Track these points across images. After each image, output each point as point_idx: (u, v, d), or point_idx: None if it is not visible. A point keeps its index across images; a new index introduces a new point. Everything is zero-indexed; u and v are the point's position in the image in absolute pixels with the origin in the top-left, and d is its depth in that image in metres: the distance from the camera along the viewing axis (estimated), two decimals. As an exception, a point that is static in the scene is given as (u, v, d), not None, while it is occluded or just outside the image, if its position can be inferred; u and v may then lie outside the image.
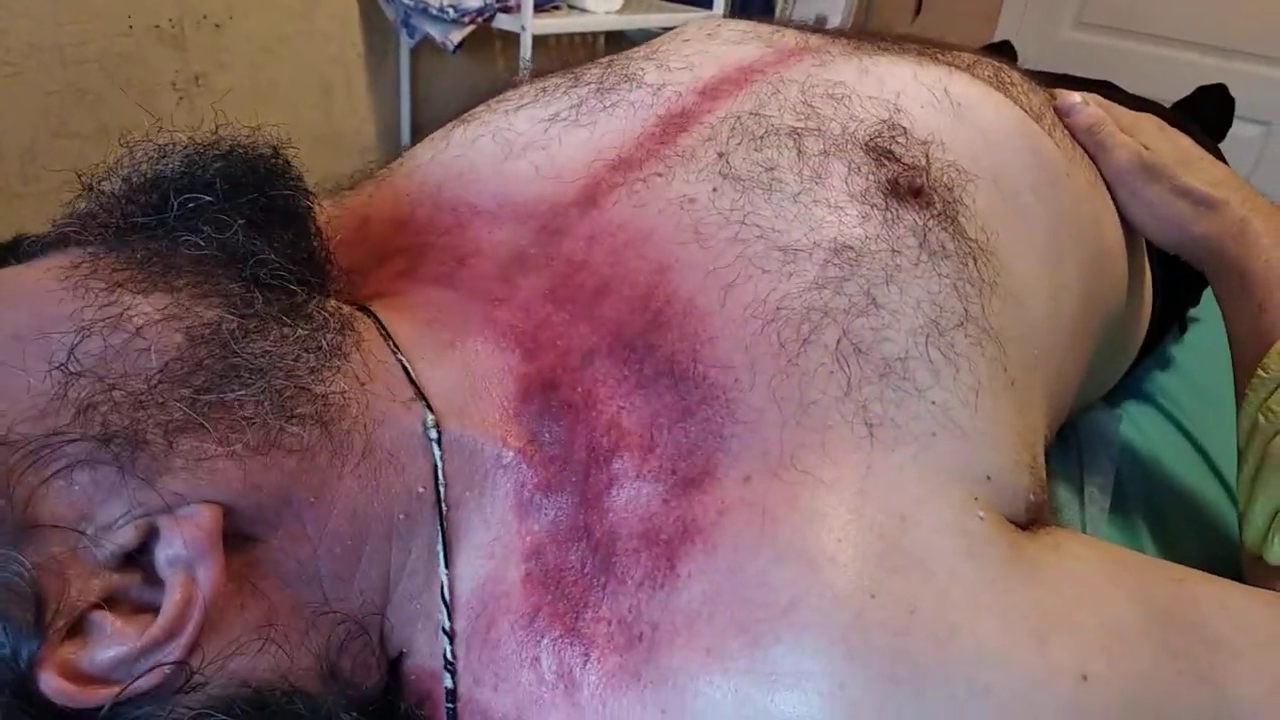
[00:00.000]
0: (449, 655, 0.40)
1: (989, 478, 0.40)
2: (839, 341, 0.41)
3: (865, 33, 0.64)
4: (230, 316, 0.38)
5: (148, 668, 0.33)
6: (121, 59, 1.58)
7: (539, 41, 1.75)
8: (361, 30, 1.89)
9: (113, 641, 0.33)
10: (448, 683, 0.40)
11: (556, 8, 1.84)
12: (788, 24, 0.64)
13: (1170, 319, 0.81)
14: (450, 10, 1.72)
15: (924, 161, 0.48)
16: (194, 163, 0.42)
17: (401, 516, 0.40)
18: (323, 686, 0.38)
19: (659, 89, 0.53)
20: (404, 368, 0.42)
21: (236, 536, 0.36)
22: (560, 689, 0.37)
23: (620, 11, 1.90)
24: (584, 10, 1.85)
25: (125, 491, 0.34)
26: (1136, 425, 0.76)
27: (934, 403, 0.40)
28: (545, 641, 0.38)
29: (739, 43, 0.58)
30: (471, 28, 1.76)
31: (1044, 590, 0.37)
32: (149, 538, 0.34)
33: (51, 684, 0.32)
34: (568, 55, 2.27)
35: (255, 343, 0.38)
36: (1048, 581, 0.38)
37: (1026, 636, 0.36)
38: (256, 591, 0.37)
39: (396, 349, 0.42)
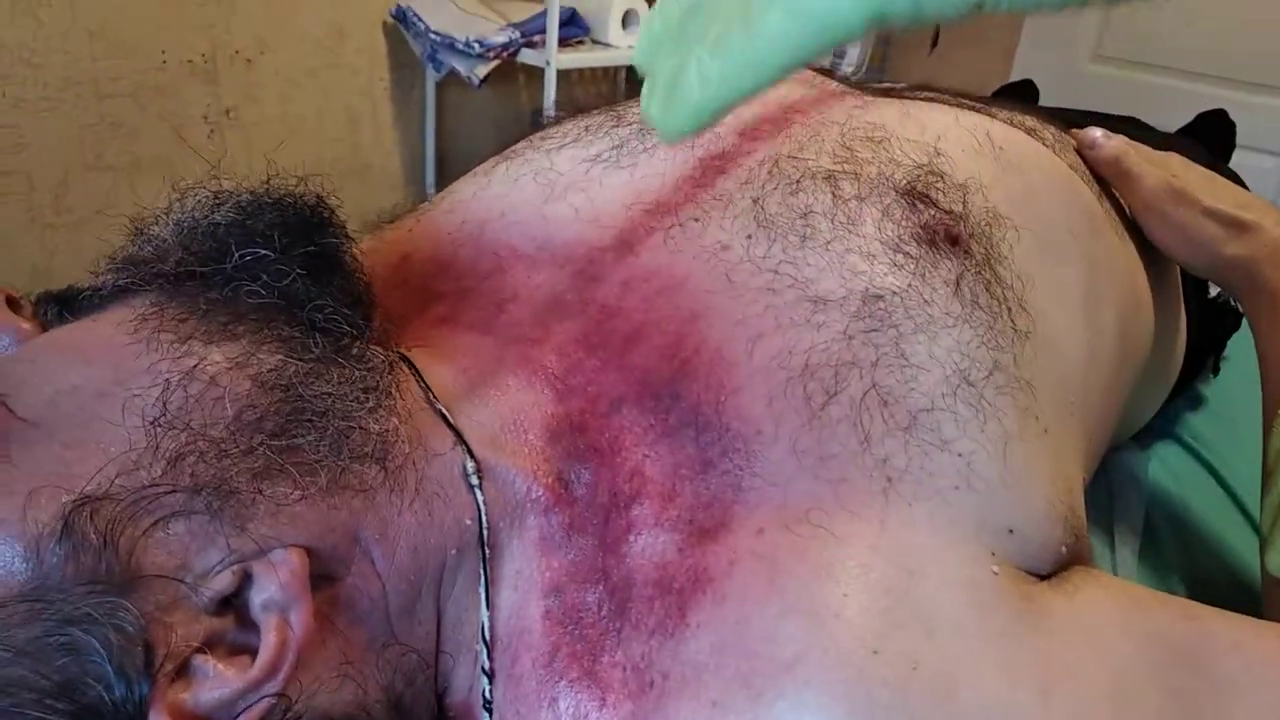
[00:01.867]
0: (487, 694, 0.41)
1: (1011, 531, 0.40)
2: (865, 395, 0.41)
3: (907, 86, 0.65)
4: (292, 361, 0.39)
5: (246, 706, 0.35)
6: (155, 93, 1.61)
7: (562, 76, 1.77)
8: (388, 65, 1.93)
9: (216, 684, 0.35)
10: None
11: (580, 42, 1.86)
12: (829, 74, 0.65)
13: (1202, 359, 0.80)
14: (476, 45, 1.75)
15: (961, 208, 0.48)
16: (248, 211, 0.43)
17: (453, 551, 0.41)
18: (393, 717, 0.39)
19: None
20: (442, 414, 0.43)
21: (316, 577, 0.37)
22: None
23: (643, 46, 1.92)
24: (607, 45, 1.88)
25: (219, 539, 0.36)
26: (1166, 466, 0.75)
27: (959, 455, 0.40)
28: (563, 684, 0.39)
29: (779, 85, 0.59)
30: (496, 62, 1.78)
31: (1050, 640, 0.37)
32: (243, 583, 0.36)
33: None
34: (590, 89, 2.30)
35: (317, 385, 0.39)
36: (1056, 630, 0.38)
37: (1030, 689, 0.36)
38: (334, 629, 0.38)
39: (433, 396, 0.43)
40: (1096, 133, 0.62)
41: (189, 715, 0.34)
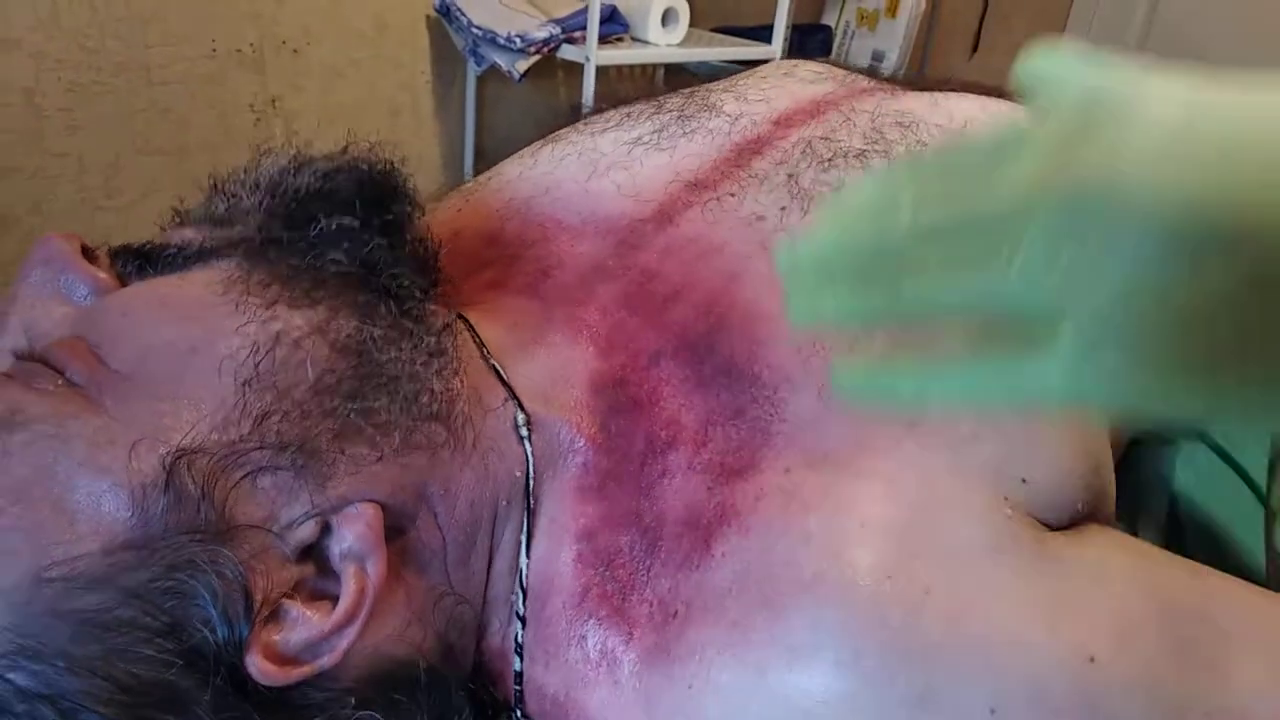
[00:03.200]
0: (519, 638, 0.43)
1: (1025, 480, 0.41)
2: (887, 344, 0.43)
3: (937, 81, 0.66)
4: (366, 326, 0.41)
5: (330, 648, 0.37)
6: (204, 81, 1.65)
7: (601, 72, 1.79)
8: (430, 58, 1.95)
9: (303, 627, 0.37)
10: (516, 665, 0.43)
11: (620, 39, 1.88)
12: (862, 71, 0.66)
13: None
14: (517, 40, 1.77)
15: None
16: (330, 178, 0.44)
17: (504, 503, 0.43)
18: (443, 663, 0.42)
19: (736, 118, 0.56)
20: (495, 369, 0.45)
21: (387, 529, 0.39)
22: (603, 667, 0.40)
23: (681, 44, 1.94)
24: (646, 43, 1.89)
25: (302, 494, 0.38)
26: (1193, 465, 0.75)
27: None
28: (592, 621, 0.41)
29: (813, 82, 0.61)
30: (537, 57, 1.80)
31: (1058, 578, 0.39)
32: (323, 534, 0.38)
33: (259, 666, 0.36)
34: (628, 86, 2.31)
35: (389, 350, 0.41)
36: (1064, 572, 0.39)
37: (1037, 619, 0.37)
38: (400, 579, 0.40)
39: (487, 352, 0.46)
40: None
41: (279, 656, 0.37)
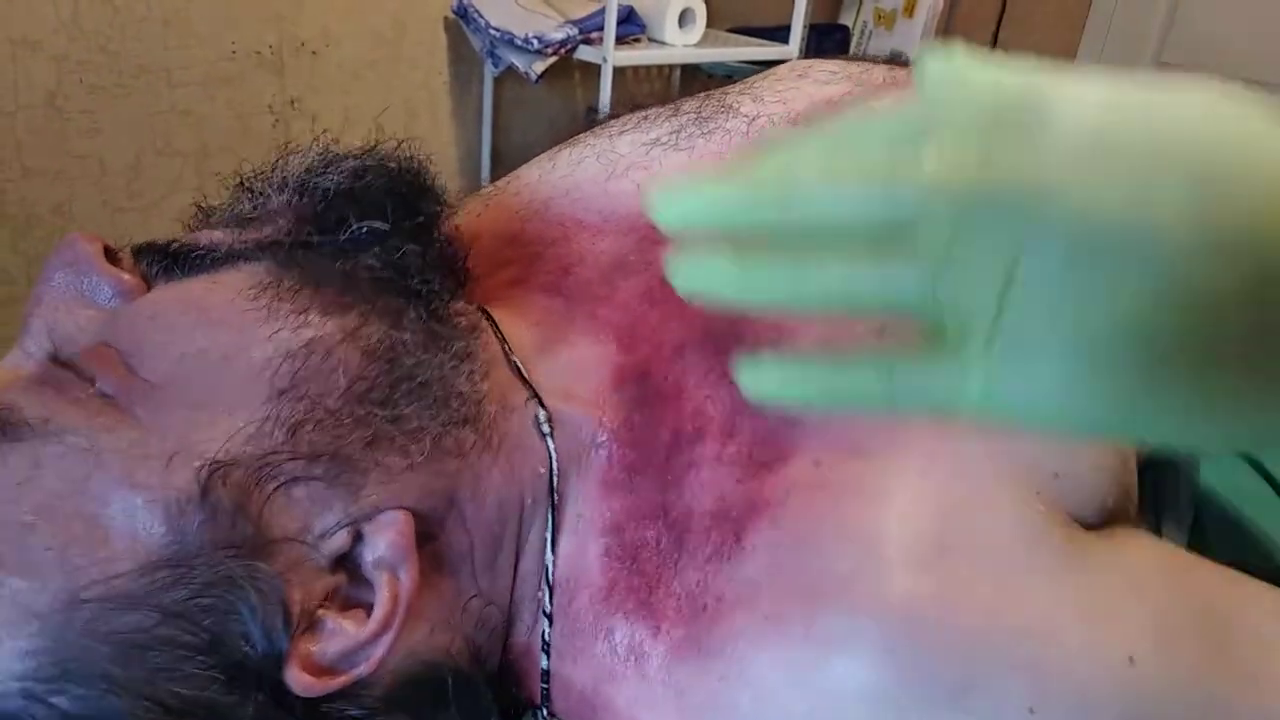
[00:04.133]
0: (546, 636, 0.42)
1: (1057, 475, 0.41)
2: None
3: None
4: (395, 333, 0.40)
5: (366, 657, 0.37)
6: (223, 82, 1.66)
7: (617, 73, 1.79)
8: (447, 59, 1.96)
9: (339, 637, 0.37)
10: (544, 663, 0.43)
11: (637, 40, 1.88)
12: (874, 60, 0.66)
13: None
14: (535, 41, 1.77)
15: None
16: (359, 176, 0.44)
17: (529, 501, 0.43)
18: (471, 665, 0.42)
19: (754, 119, 0.56)
20: (518, 367, 0.45)
21: (418, 534, 0.39)
22: (631, 661, 0.39)
23: (698, 45, 1.94)
24: (663, 43, 1.89)
25: (335, 504, 0.38)
26: (1218, 466, 0.75)
27: None
28: (619, 615, 0.40)
29: (828, 82, 0.60)
30: (554, 58, 1.81)
31: (1094, 577, 0.38)
32: (355, 542, 0.38)
33: (298, 678, 0.36)
34: (644, 87, 2.32)
35: (418, 355, 0.41)
36: (1099, 571, 0.39)
37: (1075, 616, 0.37)
38: (430, 583, 0.40)
39: (509, 350, 0.45)
40: None
41: (316, 667, 0.37)
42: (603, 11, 1.75)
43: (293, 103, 1.76)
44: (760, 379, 0.29)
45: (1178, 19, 2.30)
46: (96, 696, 0.34)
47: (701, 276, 0.27)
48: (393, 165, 0.45)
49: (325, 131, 0.46)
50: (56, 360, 0.39)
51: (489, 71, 1.98)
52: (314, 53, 1.75)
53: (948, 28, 2.58)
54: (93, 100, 1.52)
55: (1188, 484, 0.72)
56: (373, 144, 0.45)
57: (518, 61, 1.82)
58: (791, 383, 0.28)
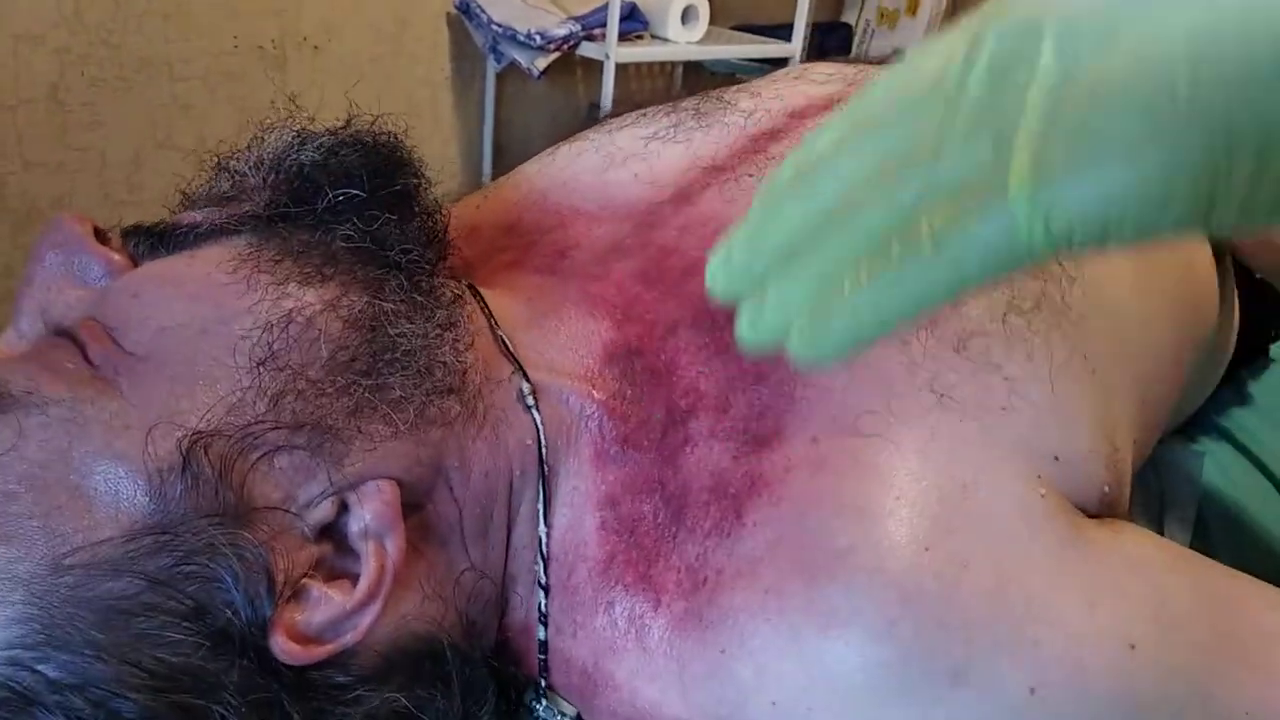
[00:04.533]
0: (543, 608, 0.42)
1: (1056, 458, 0.41)
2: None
3: None
4: (378, 301, 0.41)
5: (352, 626, 0.37)
6: (225, 76, 1.66)
7: (620, 70, 1.79)
8: (450, 55, 1.96)
9: (325, 606, 0.37)
10: (540, 635, 0.43)
11: (639, 37, 1.88)
12: (871, 62, 0.66)
13: (1251, 348, 0.79)
14: (537, 37, 1.77)
15: None
16: (335, 151, 0.44)
17: (518, 473, 0.43)
18: (465, 640, 0.42)
19: (751, 112, 0.56)
20: (501, 340, 0.45)
21: (404, 505, 0.39)
22: (631, 634, 0.40)
23: (701, 42, 1.94)
24: (666, 40, 1.89)
25: (319, 473, 0.38)
26: (1221, 467, 0.75)
27: (1007, 378, 0.41)
28: (618, 588, 0.40)
29: (824, 83, 0.60)
30: (556, 55, 1.81)
31: (1097, 562, 0.38)
32: (340, 512, 0.38)
33: (282, 646, 0.36)
34: (646, 84, 2.31)
35: (401, 325, 0.41)
36: (1102, 556, 0.39)
37: (1076, 598, 0.37)
38: (418, 554, 0.40)
39: (495, 323, 0.45)
40: None
41: (302, 636, 0.37)
42: (606, 8, 1.75)
43: (293, 98, 1.75)
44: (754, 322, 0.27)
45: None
46: (82, 663, 0.34)
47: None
48: (367, 139, 0.45)
49: (293, 112, 0.46)
50: (46, 335, 0.39)
51: (491, 67, 1.98)
52: (316, 47, 1.75)
53: (950, 26, 2.58)
54: (94, 94, 1.52)
55: (1191, 483, 0.72)
56: (347, 120, 0.46)
57: (520, 57, 1.82)
58: (816, 327, 0.26)
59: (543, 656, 0.43)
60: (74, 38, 1.48)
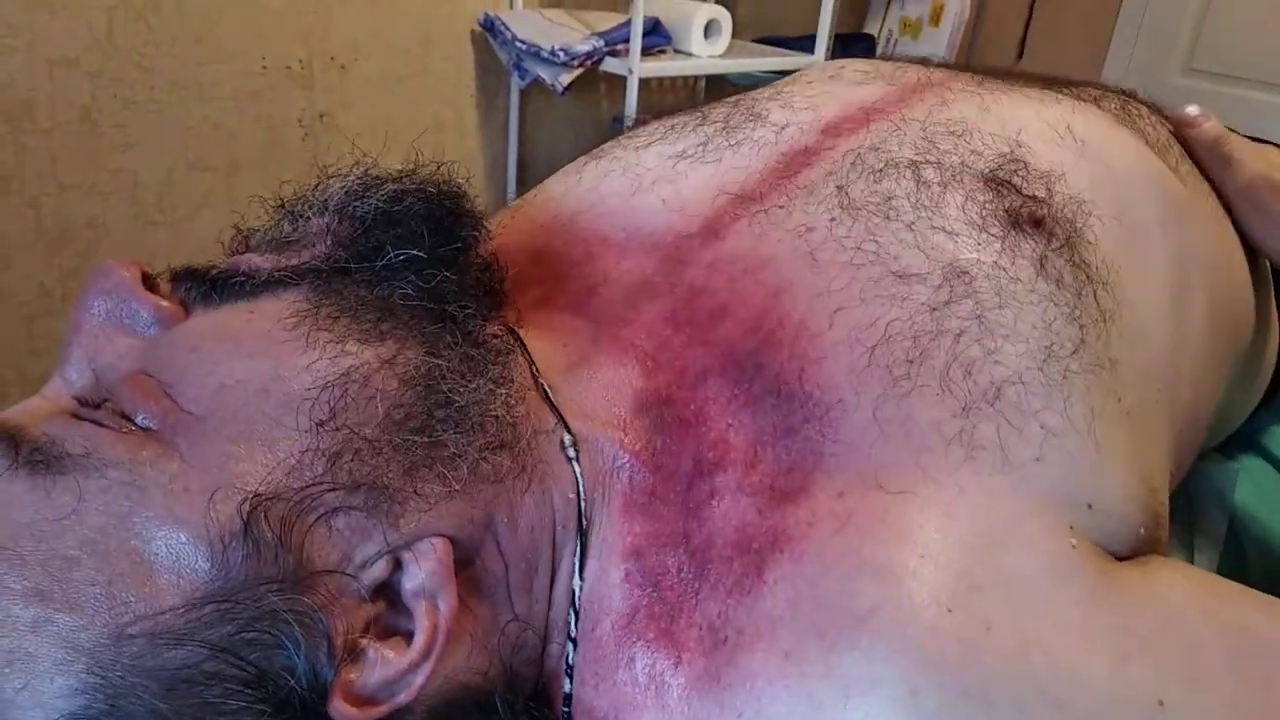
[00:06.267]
0: (570, 659, 0.42)
1: (1090, 506, 0.40)
2: (948, 365, 0.41)
3: (988, 69, 0.64)
4: (431, 359, 0.40)
5: (406, 685, 0.37)
6: (253, 97, 1.68)
7: (643, 84, 1.80)
8: (475, 72, 1.98)
9: (380, 666, 0.37)
10: (566, 687, 0.42)
11: (662, 51, 1.88)
12: (914, 60, 0.65)
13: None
14: (561, 54, 1.78)
15: (1045, 193, 0.48)
16: (398, 199, 0.44)
17: (560, 527, 0.43)
18: (508, 689, 0.41)
19: (783, 128, 0.54)
20: (545, 391, 0.45)
21: (455, 561, 0.39)
22: (651, 691, 0.39)
23: (723, 55, 1.94)
24: (689, 54, 1.90)
25: (375, 533, 0.37)
26: (1256, 484, 0.73)
27: (1041, 427, 0.40)
28: (640, 643, 0.40)
29: (861, 83, 0.59)
30: (580, 71, 1.81)
31: (1127, 614, 0.37)
32: (394, 569, 0.38)
33: (342, 709, 0.36)
34: (669, 98, 2.32)
35: (455, 380, 0.40)
36: (1132, 606, 0.38)
37: (1104, 656, 0.36)
38: (466, 608, 0.40)
39: (538, 373, 0.45)
40: (1194, 109, 0.61)
41: (358, 698, 0.37)
42: (628, 23, 1.76)
43: (322, 116, 1.78)
44: None
45: (1207, 24, 2.28)
46: None
47: None
48: (431, 189, 0.45)
49: (364, 154, 0.46)
50: (97, 394, 0.39)
51: (515, 84, 1.99)
52: (343, 67, 1.77)
53: (974, 35, 2.57)
54: (126, 116, 1.55)
55: (1221, 502, 0.71)
56: (412, 166, 0.45)
57: (544, 74, 1.84)
58: None
59: (567, 709, 0.42)
60: (107, 61, 1.50)
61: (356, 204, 0.43)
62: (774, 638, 0.37)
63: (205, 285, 0.42)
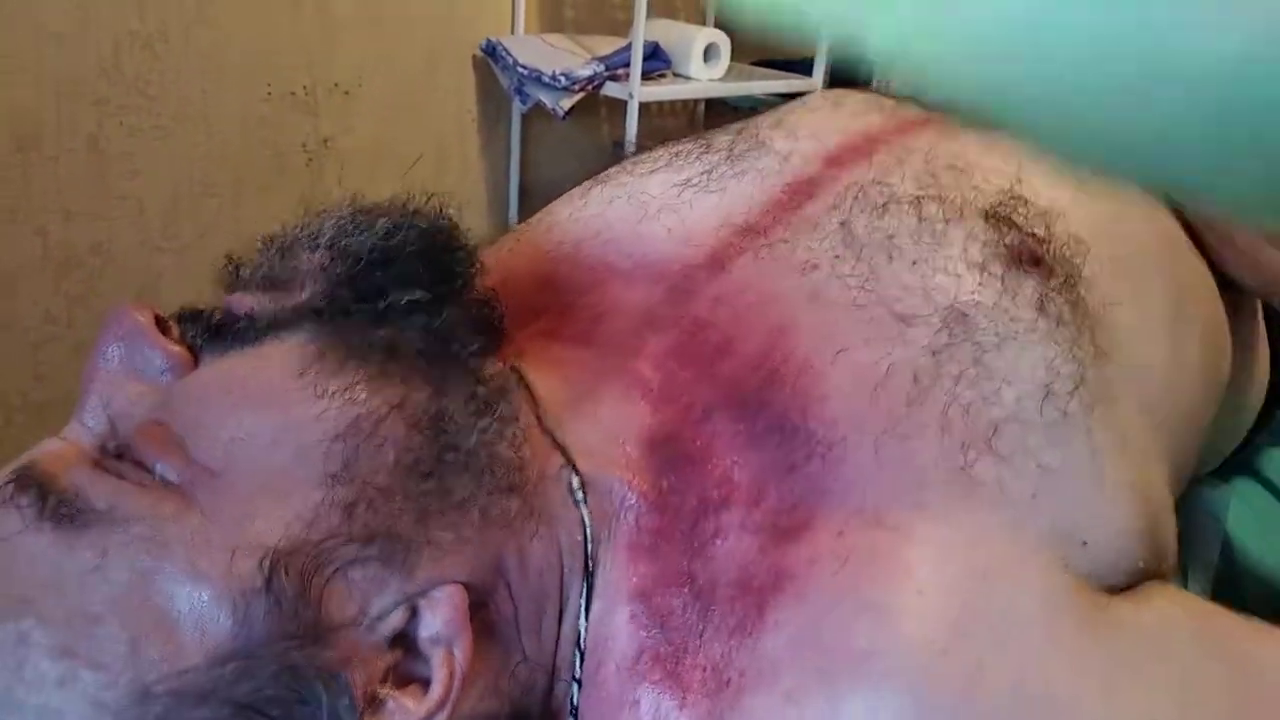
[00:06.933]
0: (575, 700, 0.42)
1: (1085, 543, 0.41)
2: (948, 406, 0.42)
3: None
4: (437, 401, 0.41)
5: None
6: (259, 123, 1.70)
7: (643, 107, 1.81)
8: (476, 97, 1.99)
9: (400, 715, 0.37)
10: None
11: (662, 75, 1.90)
12: (913, 99, 0.65)
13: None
14: (562, 78, 1.80)
15: (1045, 232, 0.49)
16: (391, 235, 0.43)
17: (568, 568, 0.43)
18: None
19: (786, 157, 0.55)
20: (550, 433, 0.44)
21: (469, 606, 0.39)
22: None
23: (723, 79, 1.96)
24: (688, 78, 1.91)
25: (390, 582, 0.38)
26: (1250, 507, 0.74)
27: (1039, 465, 0.41)
28: (645, 685, 0.40)
29: (863, 114, 0.60)
30: (581, 95, 1.83)
31: (1118, 645, 0.38)
32: (409, 617, 0.38)
33: None
34: (669, 121, 2.34)
35: (459, 422, 0.40)
36: (1124, 636, 0.38)
37: (1094, 686, 0.36)
38: (479, 650, 0.40)
39: (542, 414, 0.45)
40: None
41: None
42: (629, 48, 1.77)
43: (326, 141, 1.79)
44: None
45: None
46: None
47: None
48: (423, 223, 0.45)
49: (352, 191, 0.46)
50: (114, 443, 0.39)
51: (517, 108, 2.01)
52: (346, 93, 1.79)
53: (972, 57, 2.58)
54: (133, 143, 1.56)
55: (1215, 528, 0.71)
56: (403, 199, 0.45)
57: (545, 98, 1.85)
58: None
59: None
60: (113, 89, 1.52)
61: (349, 240, 0.43)
62: (775, 679, 0.37)
63: (209, 329, 0.43)
